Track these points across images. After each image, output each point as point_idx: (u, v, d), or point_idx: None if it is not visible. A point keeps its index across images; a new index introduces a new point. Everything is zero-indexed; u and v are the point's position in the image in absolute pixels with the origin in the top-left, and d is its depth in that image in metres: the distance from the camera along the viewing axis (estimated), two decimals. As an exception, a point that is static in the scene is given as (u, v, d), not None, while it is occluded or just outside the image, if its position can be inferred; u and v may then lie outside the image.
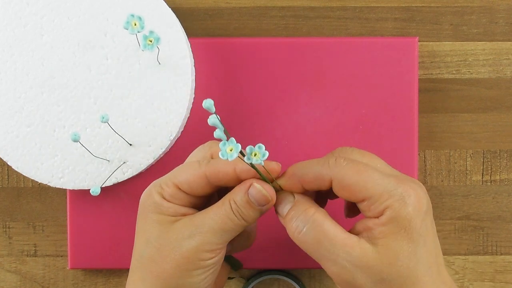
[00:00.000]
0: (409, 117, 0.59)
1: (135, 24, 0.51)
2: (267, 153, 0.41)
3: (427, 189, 0.59)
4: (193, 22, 0.61)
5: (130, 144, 0.58)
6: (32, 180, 0.61)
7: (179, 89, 0.57)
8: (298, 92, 0.59)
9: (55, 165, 0.58)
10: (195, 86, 0.59)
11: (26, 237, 0.62)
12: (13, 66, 0.58)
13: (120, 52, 0.57)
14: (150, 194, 0.47)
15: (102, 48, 0.58)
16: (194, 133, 0.59)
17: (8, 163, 0.58)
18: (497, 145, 0.61)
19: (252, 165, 0.44)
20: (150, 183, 0.47)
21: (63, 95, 0.58)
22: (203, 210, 0.46)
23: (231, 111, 0.59)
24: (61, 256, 0.62)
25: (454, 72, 0.61)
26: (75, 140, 0.51)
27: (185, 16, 0.61)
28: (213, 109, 0.41)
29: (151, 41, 0.52)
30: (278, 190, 0.46)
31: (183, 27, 0.59)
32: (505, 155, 0.61)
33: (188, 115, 0.59)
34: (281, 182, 0.46)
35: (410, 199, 0.43)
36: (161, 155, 0.58)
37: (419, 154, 0.61)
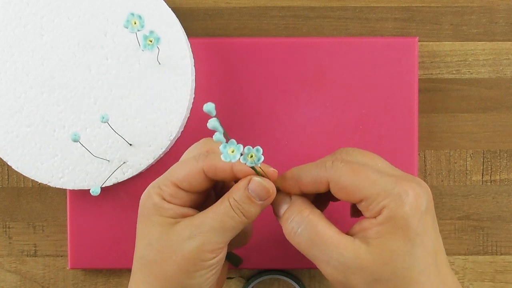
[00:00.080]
0: (409, 117, 0.59)
1: (135, 23, 0.51)
2: (262, 158, 0.41)
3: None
4: (193, 22, 0.61)
5: (130, 144, 0.58)
6: (32, 180, 0.61)
7: (179, 89, 0.57)
8: (298, 92, 0.59)
9: (55, 165, 0.58)
10: (195, 86, 0.59)
11: (26, 237, 0.62)
12: (13, 66, 0.58)
13: (120, 52, 0.57)
14: (150, 196, 0.46)
15: (102, 48, 0.58)
16: (194, 133, 0.59)
17: (8, 163, 0.58)
18: (497, 145, 0.61)
19: (252, 167, 0.44)
20: (149, 184, 0.47)
21: (63, 95, 0.58)
22: (203, 211, 0.46)
23: (231, 111, 0.59)
24: (61, 256, 0.62)
25: (454, 72, 0.61)
26: (75, 140, 0.51)
27: (185, 16, 0.61)
28: (214, 113, 0.41)
29: (151, 41, 0.52)
30: (276, 192, 0.46)
31: (183, 27, 0.59)
32: (505, 155, 0.61)
33: (188, 115, 0.59)
34: (279, 184, 0.46)
35: (408, 198, 0.43)
36: (161, 155, 0.58)
37: (419, 154, 0.61)
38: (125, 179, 0.58)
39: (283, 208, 0.46)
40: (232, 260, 0.55)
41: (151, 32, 0.52)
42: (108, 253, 0.60)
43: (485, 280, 0.61)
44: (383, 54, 0.59)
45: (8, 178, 0.62)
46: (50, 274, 0.62)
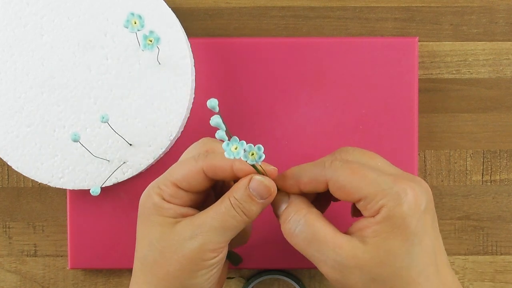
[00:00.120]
0: (409, 117, 0.59)
1: (135, 23, 0.51)
2: (263, 156, 0.41)
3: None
4: (193, 22, 0.61)
5: (130, 144, 0.58)
6: (32, 180, 0.61)
7: (179, 89, 0.57)
8: (298, 92, 0.59)
9: (55, 165, 0.58)
10: (195, 86, 0.59)
11: (26, 237, 0.62)
12: (13, 66, 0.58)
13: (120, 52, 0.57)
14: (149, 196, 0.46)
15: (102, 48, 0.58)
16: (194, 133, 0.59)
17: (8, 163, 0.58)
18: (497, 145, 0.61)
19: (253, 165, 0.44)
20: (149, 184, 0.47)
21: (63, 95, 0.58)
22: (203, 210, 0.46)
23: (231, 111, 0.59)
24: (61, 256, 0.62)
25: (454, 72, 0.61)
26: (75, 140, 0.51)
27: (185, 16, 0.61)
28: (218, 109, 0.41)
29: (151, 41, 0.52)
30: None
31: (183, 27, 0.59)
32: (505, 155, 0.61)
33: (188, 115, 0.59)
34: (278, 183, 0.46)
35: (407, 197, 0.43)
36: (161, 155, 0.58)
37: (419, 154, 0.61)
38: (125, 179, 0.58)
39: (282, 208, 0.46)
40: (232, 259, 0.55)
41: (151, 32, 0.52)
42: (108, 253, 0.60)
43: (485, 280, 0.61)
44: (383, 54, 0.59)
45: (8, 178, 0.62)
46: (50, 274, 0.62)
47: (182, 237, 0.45)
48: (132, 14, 0.51)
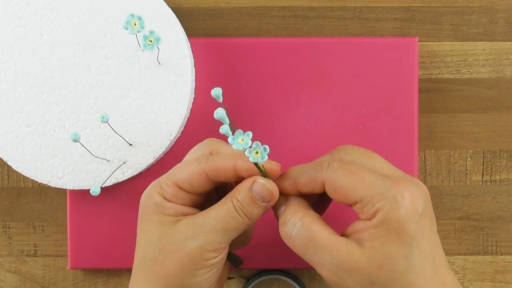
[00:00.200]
0: (409, 117, 0.59)
1: (135, 24, 0.51)
2: (266, 157, 0.41)
3: (427, 189, 0.59)
4: (193, 22, 0.61)
5: (130, 144, 0.58)
6: (32, 180, 0.61)
7: (179, 89, 0.57)
8: (298, 92, 0.59)
9: (55, 165, 0.58)
10: (195, 86, 0.59)
11: (26, 237, 0.62)
12: (13, 66, 0.58)
13: (120, 52, 0.57)
14: (151, 195, 0.46)
15: (102, 48, 0.58)
16: (194, 133, 0.59)
17: (8, 163, 0.58)
18: (497, 145, 0.61)
19: (255, 164, 0.44)
20: (150, 184, 0.47)
21: (63, 95, 0.58)
22: (204, 210, 0.46)
23: (231, 111, 0.59)
24: (61, 256, 0.62)
25: (454, 72, 0.61)
26: (75, 140, 0.51)
27: (185, 16, 0.61)
28: (221, 98, 0.40)
29: (151, 41, 0.52)
30: None
31: (183, 27, 0.59)
32: (505, 155, 0.61)
33: (188, 115, 0.59)
34: (277, 184, 0.46)
35: (404, 201, 0.42)
36: (161, 155, 0.58)
37: (419, 154, 0.61)
38: (125, 179, 0.58)
39: (281, 210, 0.46)
40: (233, 260, 0.55)
41: (151, 32, 0.52)
42: (108, 253, 0.60)
43: (485, 280, 0.61)
44: (383, 54, 0.59)
45: (8, 178, 0.62)
46: (50, 274, 0.62)
47: (183, 236, 0.45)
48: (132, 15, 0.51)
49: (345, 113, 0.59)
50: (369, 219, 0.43)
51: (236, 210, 0.45)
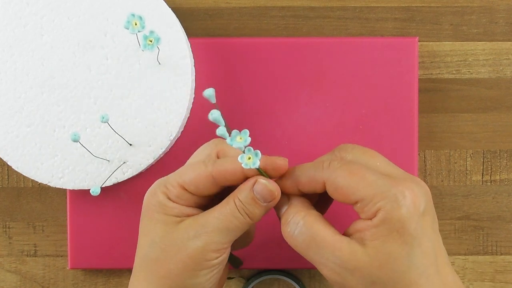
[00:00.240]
0: (409, 117, 0.59)
1: (136, 24, 0.51)
2: (258, 163, 0.41)
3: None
4: (193, 22, 0.61)
5: (130, 144, 0.58)
6: (32, 180, 0.61)
7: (179, 89, 0.57)
8: (298, 92, 0.59)
9: (55, 165, 0.58)
10: (195, 86, 0.59)
11: (26, 237, 0.62)
12: (13, 66, 0.58)
13: (120, 52, 0.57)
14: (155, 194, 0.46)
15: (102, 48, 0.58)
16: (194, 133, 0.59)
17: (8, 163, 0.58)
18: (497, 145, 0.61)
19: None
20: (154, 182, 0.47)
21: (63, 95, 0.58)
22: (207, 210, 0.46)
23: (231, 111, 0.59)
24: (61, 256, 0.62)
25: (454, 72, 0.61)
26: (75, 140, 0.51)
27: (185, 16, 0.61)
28: (214, 99, 0.40)
29: (151, 41, 0.52)
30: None
31: (183, 27, 0.59)
32: (505, 155, 0.61)
33: (188, 115, 0.59)
34: (279, 184, 0.46)
35: (405, 200, 0.42)
36: (161, 155, 0.58)
37: (419, 154, 0.61)
38: (125, 179, 0.58)
39: (283, 209, 0.46)
40: (233, 261, 0.55)
41: (151, 32, 0.52)
42: (108, 253, 0.60)
43: (485, 280, 0.61)
44: (383, 54, 0.59)
45: (8, 178, 0.62)
46: (50, 274, 0.62)
47: (186, 236, 0.45)
48: (133, 15, 0.51)
49: (345, 113, 0.59)
50: (370, 219, 0.43)
51: (238, 210, 0.45)
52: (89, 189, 0.58)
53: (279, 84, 0.59)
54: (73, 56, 0.58)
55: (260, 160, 0.42)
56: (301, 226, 0.44)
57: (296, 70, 0.59)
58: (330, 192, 0.45)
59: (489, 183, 0.61)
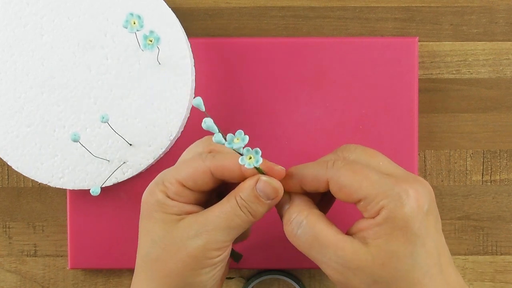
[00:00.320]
0: (409, 117, 0.59)
1: (134, 23, 0.51)
2: (261, 160, 0.42)
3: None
4: (193, 22, 0.61)
5: (130, 144, 0.58)
6: (32, 180, 0.61)
7: (179, 89, 0.57)
8: (298, 92, 0.59)
9: (55, 165, 0.58)
10: (195, 86, 0.59)
11: (26, 237, 0.62)
12: (13, 66, 0.58)
13: (120, 52, 0.57)
14: (153, 193, 0.46)
15: (102, 48, 0.58)
16: (194, 133, 0.59)
17: (8, 163, 0.58)
18: (497, 145, 0.61)
19: (254, 167, 0.44)
20: (152, 181, 0.47)
21: (63, 95, 0.58)
22: (208, 208, 0.46)
23: (231, 111, 0.59)
24: (61, 256, 0.62)
25: (454, 72, 0.61)
26: (75, 140, 0.51)
27: (185, 16, 0.61)
28: (203, 107, 0.41)
29: (151, 41, 0.52)
30: None
31: (183, 27, 0.59)
32: (505, 155, 0.61)
33: (188, 115, 0.59)
34: (281, 182, 0.46)
35: (408, 199, 0.42)
36: (161, 155, 0.58)
37: (419, 154, 0.61)
38: (125, 179, 0.58)
39: (284, 208, 0.46)
40: (233, 256, 0.55)
41: (151, 32, 0.52)
42: (108, 253, 0.60)
43: (485, 280, 0.61)
44: (383, 54, 0.59)
45: (8, 178, 0.62)
46: (50, 274, 0.62)
47: (186, 235, 0.45)
48: (131, 14, 0.51)
49: (345, 113, 0.59)
50: (373, 217, 0.43)
51: (240, 208, 0.45)
52: (89, 189, 0.58)
53: (279, 84, 0.59)
54: (73, 56, 0.58)
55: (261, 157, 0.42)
56: (304, 226, 0.44)
57: (296, 70, 0.59)
58: (334, 191, 0.45)
59: (489, 183, 0.61)
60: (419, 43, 0.60)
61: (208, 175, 0.45)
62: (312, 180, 0.45)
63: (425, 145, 0.61)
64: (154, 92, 0.57)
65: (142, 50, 0.56)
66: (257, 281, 0.60)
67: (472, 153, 0.61)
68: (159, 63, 0.57)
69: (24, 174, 0.58)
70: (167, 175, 0.46)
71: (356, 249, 0.43)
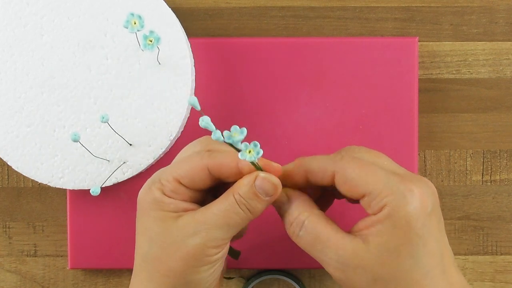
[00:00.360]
0: (409, 117, 0.59)
1: (135, 23, 0.51)
2: (261, 152, 0.41)
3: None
4: (193, 22, 0.61)
5: (130, 144, 0.58)
6: (32, 180, 0.61)
7: (179, 89, 0.57)
8: (298, 92, 0.59)
9: (55, 165, 0.58)
10: (195, 86, 0.59)
11: (26, 237, 0.62)
12: (13, 66, 0.58)
13: (120, 52, 0.57)
14: (150, 191, 0.46)
15: (102, 48, 0.58)
16: (194, 133, 0.59)
17: (8, 163, 0.58)
18: (497, 145, 0.61)
19: (252, 163, 0.44)
20: (148, 179, 0.47)
21: (63, 95, 0.58)
22: (205, 206, 0.46)
23: (231, 111, 0.59)
24: (61, 256, 0.62)
25: (454, 72, 0.61)
26: (75, 140, 0.51)
27: (185, 16, 0.61)
28: (199, 107, 0.41)
29: (151, 41, 0.52)
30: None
31: (183, 27, 0.59)
32: (505, 155, 0.61)
33: (188, 115, 0.59)
34: (288, 168, 0.46)
35: (413, 198, 0.42)
36: (161, 155, 0.58)
37: (419, 154, 0.61)
38: (125, 179, 0.58)
39: (284, 207, 0.46)
40: (231, 253, 0.55)
41: (151, 32, 0.52)
42: (108, 253, 0.60)
43: (485, 280, 0.61)
44: (383, 54, 0.59)
45: (8, 178, 0.62)
46: (50, 274, 0.62)
47: (185, 233, 0.45)
48: (132, 14, 0.51)
49: (345, 113, 0.59)
50: (375, 214, 0.43)
51: (238, 205, 0.45)
52: (89, 189, 0.58)
53: (279, 84, 0.59)
54: (73, 56, 0.58)
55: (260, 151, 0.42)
56: (305, 227, 0.45)
57: (296, 70, 0.59)
58: (339, 184, 0.45)
59: (489, 183, 0.61)
60: (419, 43, 0.60)
61: (205, 173, 0.45)
62: (319, 172, 0.45)
63: (425, 145, 0.61)
64: (154, 92, 0.57)
65: (142, 50, 0.56)
66: (257, 281, 0.60)
67: (472, 153, 0.61)
68: (159, 63, 0.57)
69: (24, 174, 0.58)
70: (164, 173, 0.46)
71: (356, 247, 0.43)
